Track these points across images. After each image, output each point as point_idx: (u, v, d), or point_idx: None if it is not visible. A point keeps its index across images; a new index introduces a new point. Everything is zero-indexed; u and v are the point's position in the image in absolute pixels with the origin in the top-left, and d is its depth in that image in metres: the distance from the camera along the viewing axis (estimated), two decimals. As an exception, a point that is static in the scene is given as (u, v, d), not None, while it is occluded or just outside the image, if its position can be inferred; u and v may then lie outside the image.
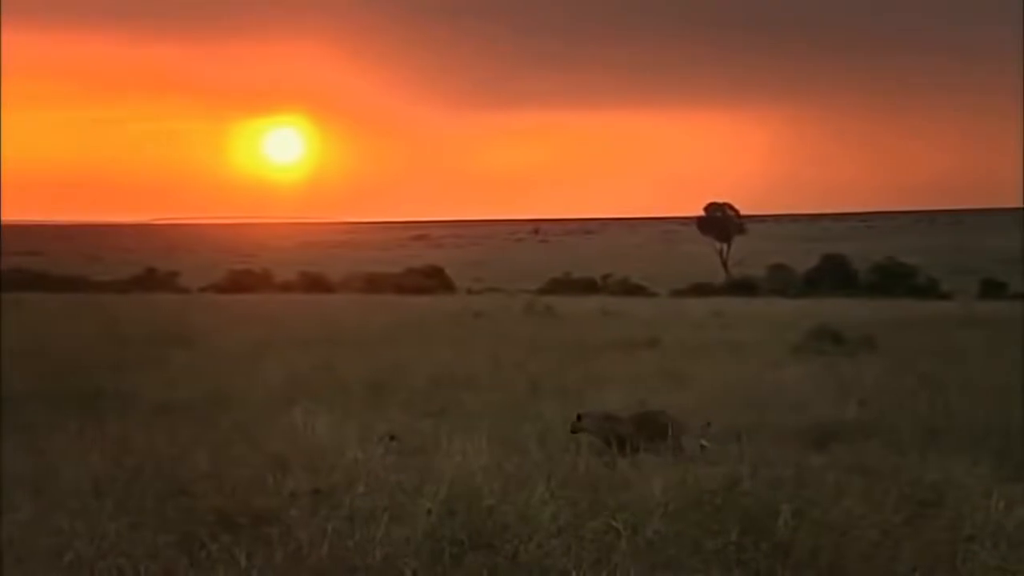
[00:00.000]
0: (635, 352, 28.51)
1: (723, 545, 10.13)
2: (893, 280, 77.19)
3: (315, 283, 77.32)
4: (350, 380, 21.84)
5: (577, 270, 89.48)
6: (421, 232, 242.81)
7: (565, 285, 77.24)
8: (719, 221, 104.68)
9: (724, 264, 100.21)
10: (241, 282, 78.34)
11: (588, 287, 77.24)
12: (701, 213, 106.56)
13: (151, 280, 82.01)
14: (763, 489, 11.40)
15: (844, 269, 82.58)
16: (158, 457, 13.02)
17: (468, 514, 10.67)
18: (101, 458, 12.80)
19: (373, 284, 77.38)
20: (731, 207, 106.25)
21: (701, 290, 74.39)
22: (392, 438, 14.88)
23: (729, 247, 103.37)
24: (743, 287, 77.24)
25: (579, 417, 15.56)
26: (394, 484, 11.57)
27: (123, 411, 17.43)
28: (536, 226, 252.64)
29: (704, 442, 15.13)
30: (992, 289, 74.53)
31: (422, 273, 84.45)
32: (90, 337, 31.64)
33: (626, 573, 9.60)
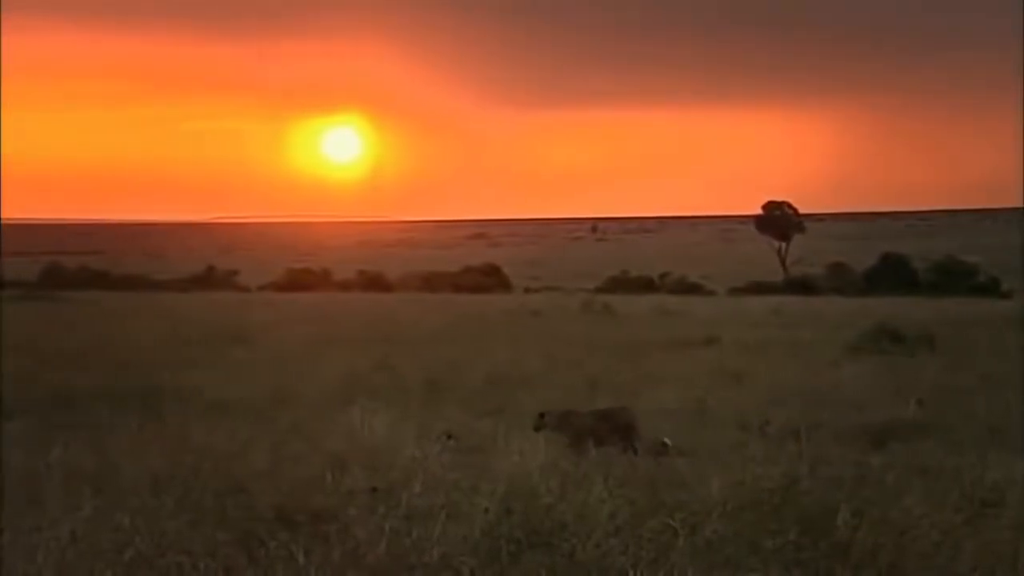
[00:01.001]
0: (692, 351, 28.45)
1: (782, 545, 10.08)
2: (953, 279, 76.55)
3: (373, 282, 77.53)
4: (408, 379, 21.90)
5: (635, 268, 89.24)
6: (479, 231, 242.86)
7: (623, 284, 77.10)
8: (778, 219, 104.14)
9: (782, 263, 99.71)
10: (300, 281, 78.61)
11: (646, 286, 77.07)
12: (760, 212, 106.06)
13: (211, 279, 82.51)
14: (822, 488, 11.33)
15: (903, 268, 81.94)
16: (217, 455, 13.08)
17: (525, 513, 10.66)
18: (161, 456, 12.87)
19: (431, 283, 77.49)
20: (790, 205, 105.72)
21: (759, 289, 74.06)
22: (449, 436, 14.91)
23: (788, 246, 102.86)
24: (802, 286, 76.80)
25: (541, 415, 15.71)
26: (451, 482, 11.57)
27: (183, 409, 17.54)
28: (594, 224, 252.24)
29: (666, 440, 15.14)
30: (1053, 288, 73.75)
31: (480, 272, 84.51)
32: (151, 335, 31.88)
33: (684, 573, 9.56)
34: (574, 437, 15.11)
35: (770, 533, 10.26)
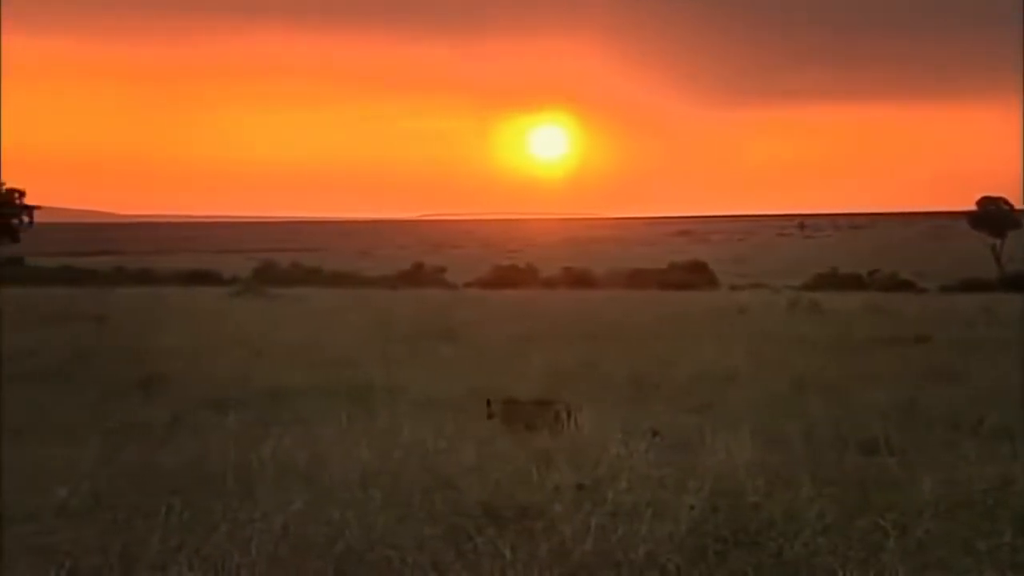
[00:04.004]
0: (903, 349, 27.96)
1: (996, 546, 9.87)
2: None
3: (578, 279, 77.66)
4: (613, 375, 21.90)
5: (844, 266, 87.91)
6: (685, 227, 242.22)
7: (831, 281, 76.02)
8: (993, 216, 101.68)
9: (997, 260, 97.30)
10: (506, 278, 79.11)
11: (855, 283, 75.85)
12: (973, 208, 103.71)
13: (419, 275, 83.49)
14: (1037, 490, 11.08)
15: (1125, 265, 79.43)
16: (424, 450, 13.23)
17: (732, 511, 10.60)
18: (370, 451, 13.06)
19: (636, 280, 77.34)
20: (1006, 201, 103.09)
21: (972, 286, 72.37)
22: (655, 434, 14.85)
23: (1003, 242, 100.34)
24: (1017, 283, 74.83)
25: (488, 403, 16.43)
26: (657, 480, 11.54)
27: (391, 404, 17.77)
28: (802, 221, 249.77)
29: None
30: None
31: (686, 268, 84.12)
32: (360, 331, 32.37)
33: (894, 573, 9.41)
34: (517, 422, 15.81)
35: (984, 534, 10.06)
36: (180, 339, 29.45)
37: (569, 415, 16.09)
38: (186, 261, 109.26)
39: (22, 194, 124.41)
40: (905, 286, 75.47)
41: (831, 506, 10.72)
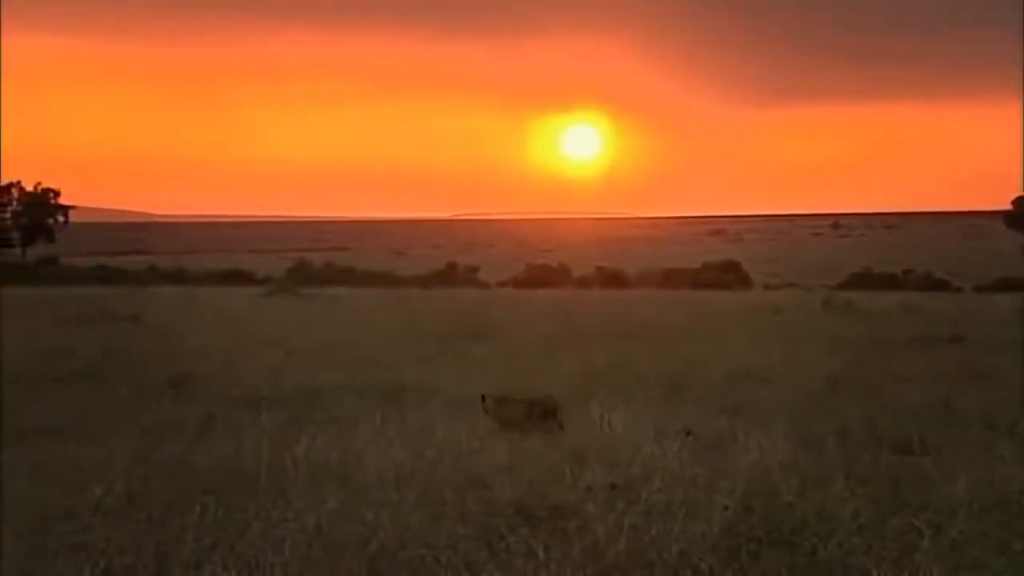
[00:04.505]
0: (937, 348, 27.86)
1: (1031, 547, 9.82)
2: None
3: (611, 278, 77.58)
4: (646, 375, 21.87)
5: (878, 265, 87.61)
6: (719, 227, 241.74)
7: (865, 280, 75.75)
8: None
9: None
10: (539, 277, 79.12)
11: (889, 282, 75.56)
12: (1008, 207, 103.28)
13: (452, 275, 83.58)
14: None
15: None
16: (457, 450, 13.24)
17: (765, 511, 10.58)
18: (403, 450, 13.07)
19: (669, 279, 77.25)
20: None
21: (1007, 286, 71.96)
22: (688, 433, 14.83)
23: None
24: (1053, 283, 74.43)
25: (483, 398, 16.68)
26: (690, 479, 11.53)
27: (424, 404, 17.79)
28: (836, 220, 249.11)
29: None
30: None
31: (719, 268, 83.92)
32: (393, 331, 32.43)
33: (928, 573, 9.38)
34: (509, 419, 15.98)
35: (1019, 534, 10.03)
36: (213, 339, 29.56)
37: (555, 413, 16.31)
38: (219, 261, 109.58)
39: (57, 194, 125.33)
40: (940, 285, 75.13)
41: (865, 506, 10.69)
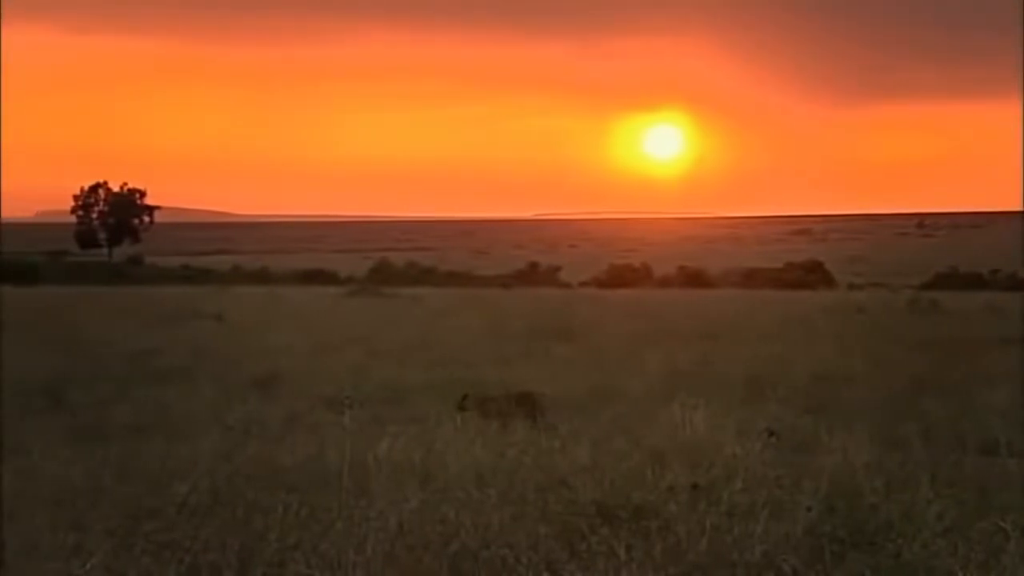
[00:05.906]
0: (1024, 349, 27.55)
1: (1119, 551, 9.69)
2: None
3: (693, 278, 77.41)
4: (729, 375, 21.78)
5: (964, 265, 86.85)
6: (802, 227, 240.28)
7: (951, 280, 75.15)
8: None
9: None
10: (621, 277, 79.09)
11: (975, 282, 74.87)
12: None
13: (534, 275, 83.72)
14: None
15: None
16: (539, 449, 13.23)
17: (849, 511, 10.51)
18: (484, 449, 13.09)
19: (752, 279, 76.99)
20: None
21: (1097, 285, 71.14)
22: (771, 434, 14.75)
23: None
24: None
25: (464, 397, 16.86)
26: (773, 480, 11.46)
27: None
28: (921, 219, 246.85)
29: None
30: None
31: (802, 268, 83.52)
32: (475, 331, 32.49)
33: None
34: (495, 415, 16.23)
35: (1107, 538, 9.88)
36: (296, 338, 29.76)
37: (538, 411, 16.40)
38: (302, 260, 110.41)
39: (143, 194, 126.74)
40: (1027, 285, 74.31)
41: (950, 507, 10.59)
